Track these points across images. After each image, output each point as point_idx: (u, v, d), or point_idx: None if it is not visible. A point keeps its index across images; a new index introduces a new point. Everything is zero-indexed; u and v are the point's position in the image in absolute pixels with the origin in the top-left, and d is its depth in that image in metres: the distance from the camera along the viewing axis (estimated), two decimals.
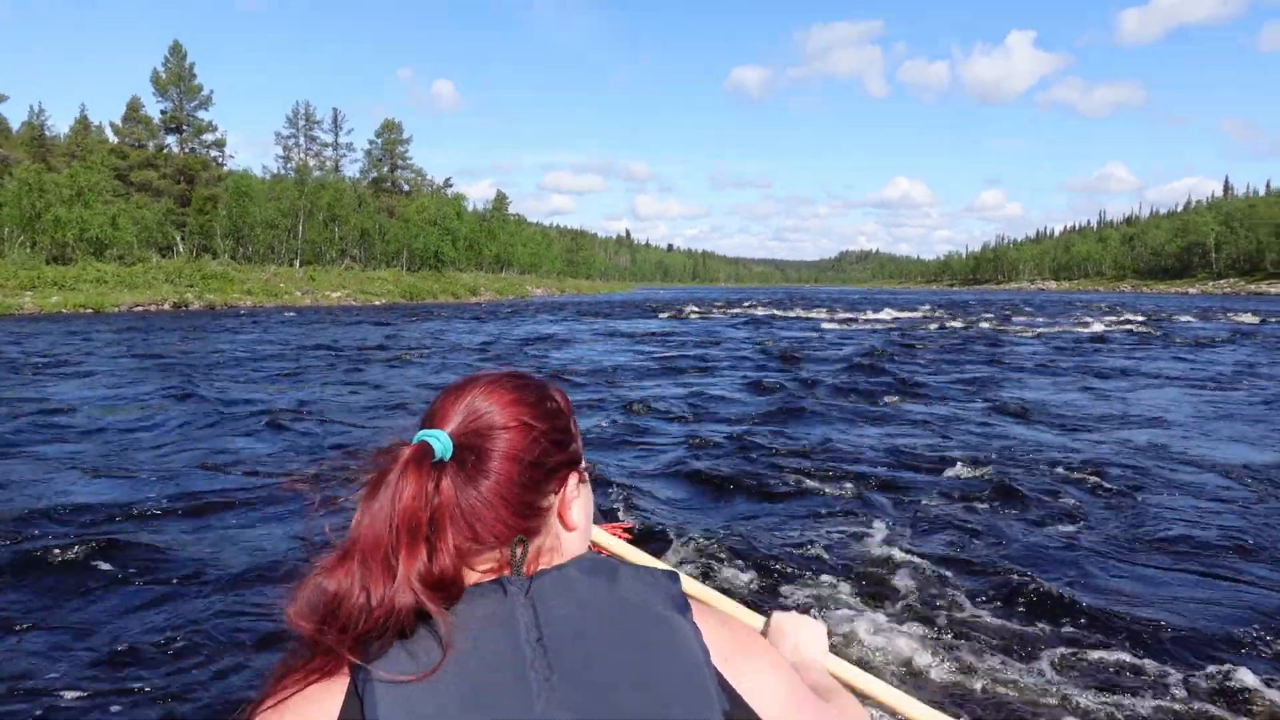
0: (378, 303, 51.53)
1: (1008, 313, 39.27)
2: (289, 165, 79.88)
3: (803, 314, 39.18)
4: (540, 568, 0.91)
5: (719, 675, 0.85)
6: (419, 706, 0.77)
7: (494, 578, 0.87)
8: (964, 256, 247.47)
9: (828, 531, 5.17)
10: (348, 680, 0.81)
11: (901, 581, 4.30)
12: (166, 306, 39.89)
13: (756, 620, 1.33)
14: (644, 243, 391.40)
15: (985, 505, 5.80)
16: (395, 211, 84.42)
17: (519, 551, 0.89)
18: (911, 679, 3.33)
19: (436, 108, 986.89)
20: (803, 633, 1.28)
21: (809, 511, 5.63)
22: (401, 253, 79.85)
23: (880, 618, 3.86)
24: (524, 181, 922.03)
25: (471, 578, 0.88)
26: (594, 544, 1.36)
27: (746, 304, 55.90)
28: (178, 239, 58.27)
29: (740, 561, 4.60)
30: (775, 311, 41.15)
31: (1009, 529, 5.20)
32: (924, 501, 5.87)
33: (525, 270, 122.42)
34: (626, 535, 1.49)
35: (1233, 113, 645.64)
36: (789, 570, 4.47)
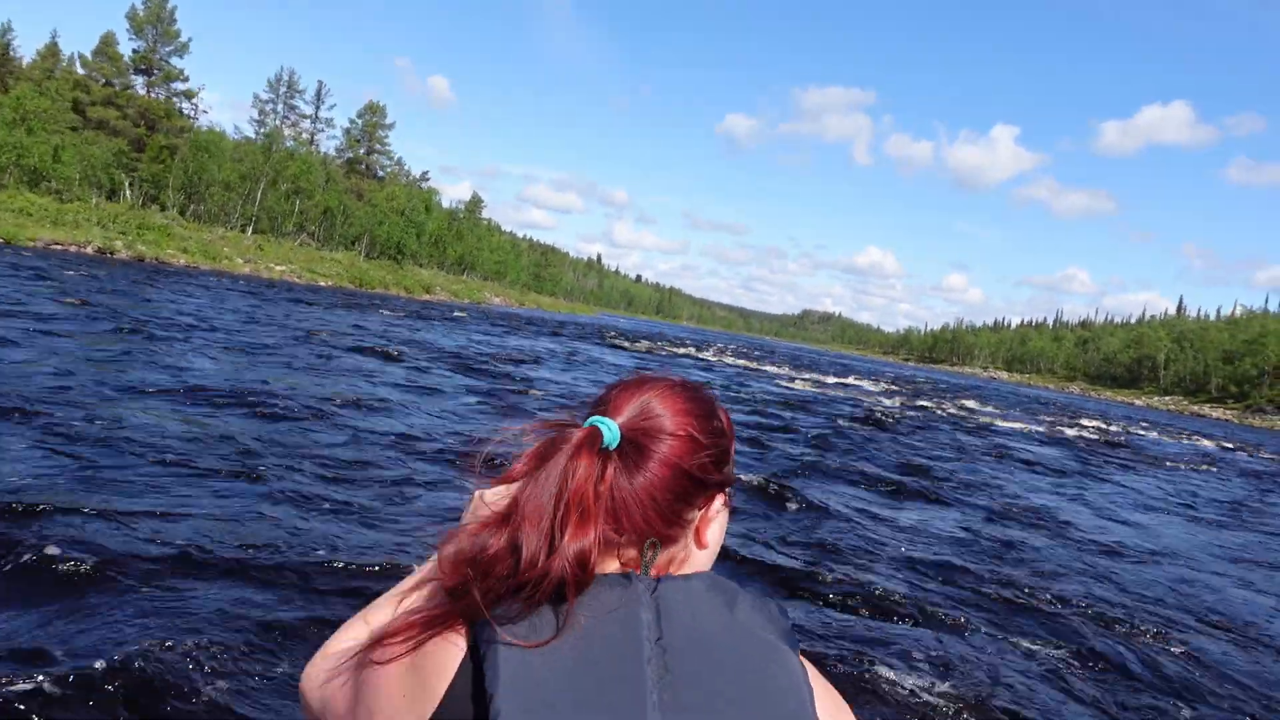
0: (323, 284, 49.02)
1: (971, 402, 38.15)
2: (263, 130, 77.04)
3: (772, 369, 37.62)
4: (666, 574, 0.92)
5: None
6: (537, 674, 0.78)
7: (622, 572, 0.88)
8: (923, 333, 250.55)
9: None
10: (464, 638, 0.84)
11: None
12: (89, 250, 37.05)
13: None
14: (614, 269, 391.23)
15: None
16: (364, 195, 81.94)
17: (650, 553, 0.91)
18: None
19: (429, 102, 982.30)
20: None
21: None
22: (363, 238, 77.31)
23: None
24: (504, 189, 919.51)
25: (599, 568, 0.88)
26: None
27: (715, 347, 54.41)
28: (125, 184, 55.15)
29: None
30: (745, 362, 39.53)
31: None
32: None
33: (489, 277, 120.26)
34: None
35: (1193, 237, 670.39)
36: None
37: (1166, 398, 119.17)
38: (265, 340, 14.61)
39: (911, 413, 22.84)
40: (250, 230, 62.98)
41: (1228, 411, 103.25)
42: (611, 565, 0.90)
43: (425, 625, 0.85)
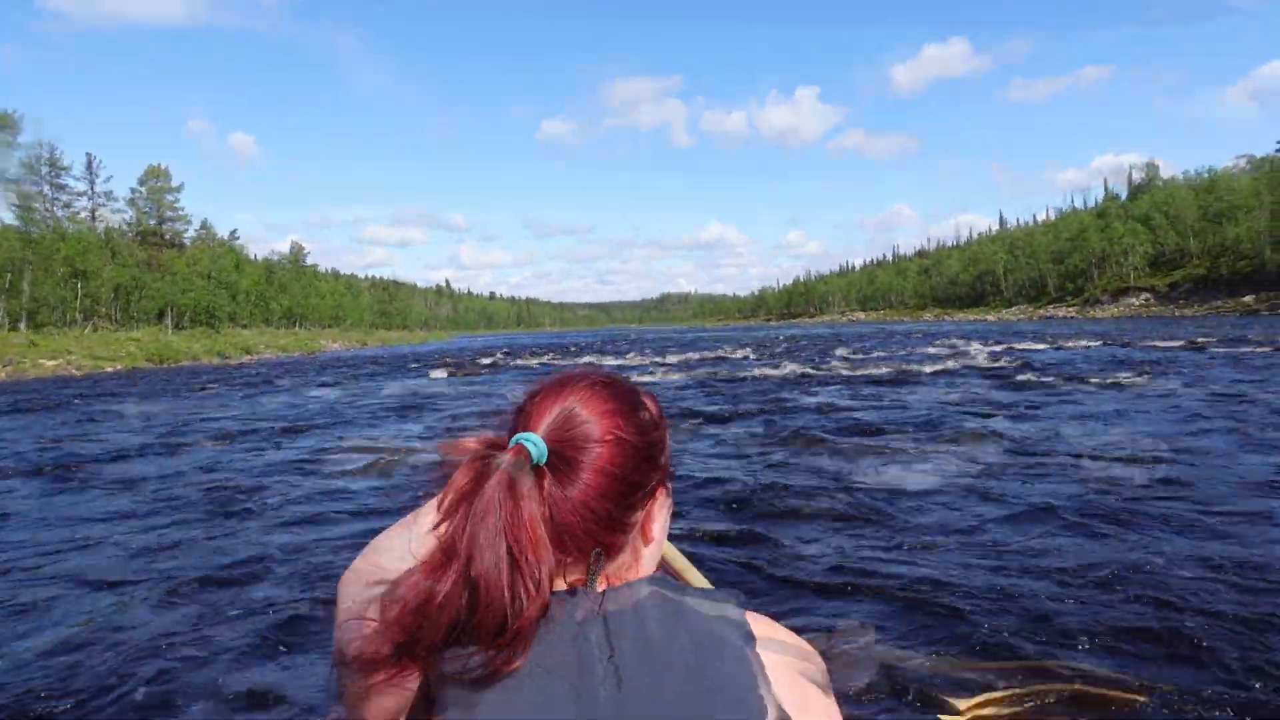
0: (110, 369, 42.28)
1: (846, 353, 35.68)
2: (24, 215, 67.69)
3: (637, 358, 34.14)
4: (615, 582, 0.90)
5: (780, 708, 0.84)
6: (490, 709, 0.77)
7: (567, 589, 0.85)
8: (777, 291, 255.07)
9: None
10: (418, 676, 0.82)
11: None
12: None
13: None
14: (466, 291, 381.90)
15: None
16: (162, 265, 73.74)
17: (595, 565, 0.88)
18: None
19: (236, 162, 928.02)
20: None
21: None
22: (168, 310, 69.39)
23: None
24: (338, 236, 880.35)
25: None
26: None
27: (570, 348, 50.52)
28: None
29: None
30: (612, 359, 35.84)
31: None
32: None
33: (328, 324, 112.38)
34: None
35: (994, 156, 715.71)
36: None
37: (1013, 308, 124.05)
38: None
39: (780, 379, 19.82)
40: (24, 325, 54.74)
41: (1069, 309, 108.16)
42: (558, 584, 0.87)
43: (378, 686, 0.82)
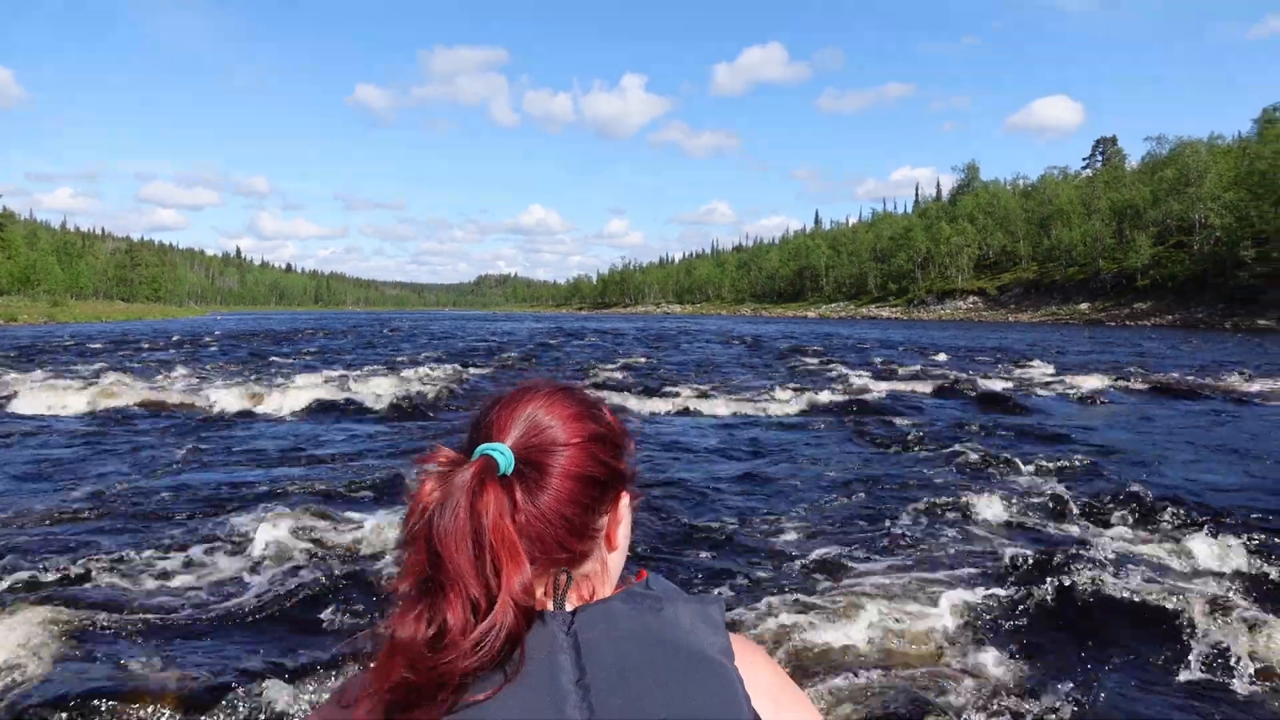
0: None
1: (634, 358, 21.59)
2: None
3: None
4: (584, 595, 0.89)
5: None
6: None
7: (537, 608, 0.82)
8: (593, 280, 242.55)
9: None
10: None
11: None
12: None
13: None
14: (260, 263, 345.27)
15: None
16: None
17: (562, 581, 0.86)
18: None
19: None
20: None
21: None
22: None
23: None
24: (117, 192, 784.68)
25: None
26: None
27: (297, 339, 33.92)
28: None
29: None
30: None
31: None
32: None
33: (7, 290, 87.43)
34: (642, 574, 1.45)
35: (803, 163, 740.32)
36: None
37: (834, 304, 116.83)
38: None
39: None
40: None
41: (893, 309, 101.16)
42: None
43: None
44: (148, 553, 4.80)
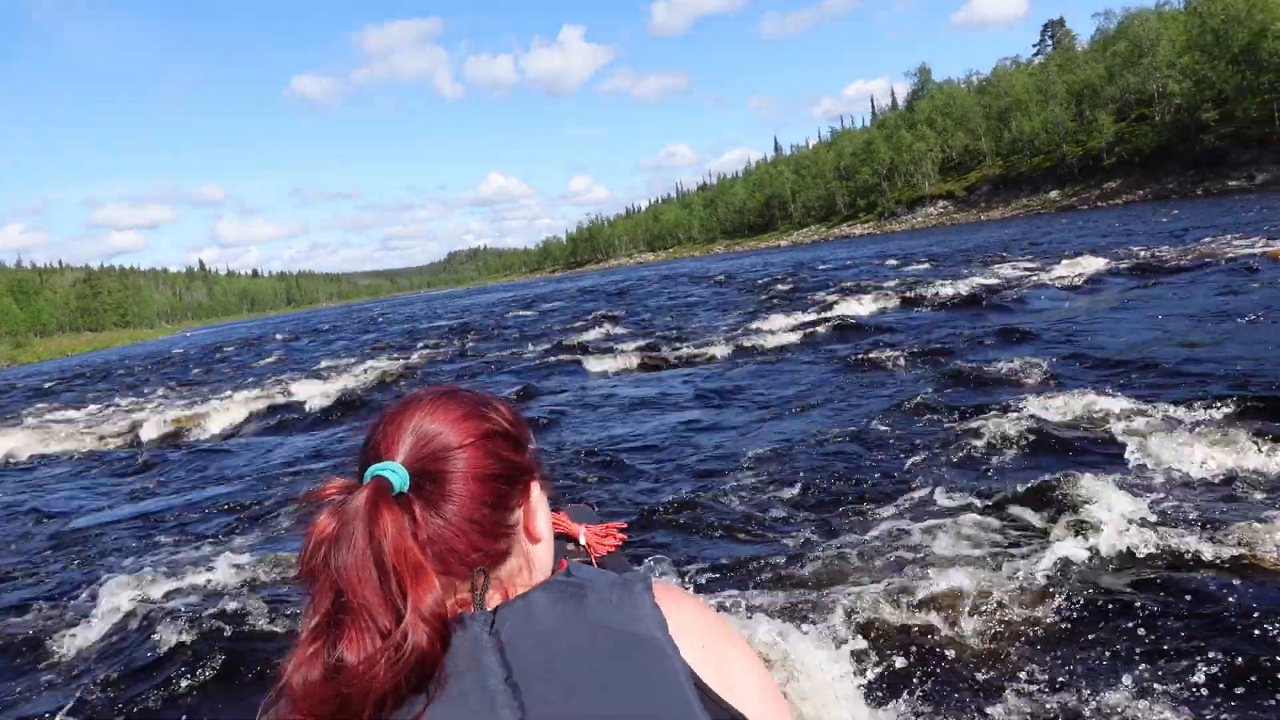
0: None
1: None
2: None
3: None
4: (508, 593, 0.86)
5: (699, 683, 0.80)
6: None
7: (454, 616, 0.80)
8: (562, 242, 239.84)
9: None
10: None
11: None
12: None
13: None
14: (225, 272, 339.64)
15: None
16: None
17: (480, 582, 0.84)
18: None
19: None
20: None
21: None
22: None
23: None
24: (66, 222, 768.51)
25: None
26: (587, 545, 1.41)
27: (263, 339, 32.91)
28: None
29: None
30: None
31: None
32: None
33: None
34: (621, 536, 1.46)
35: (754, 90, 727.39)
36: None
37: (805, 229, 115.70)
38: None
39: None
40: None
41: (864, 225, 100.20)
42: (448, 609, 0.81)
43: None
44: None
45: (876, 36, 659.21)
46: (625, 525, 1.53)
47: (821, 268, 30.48)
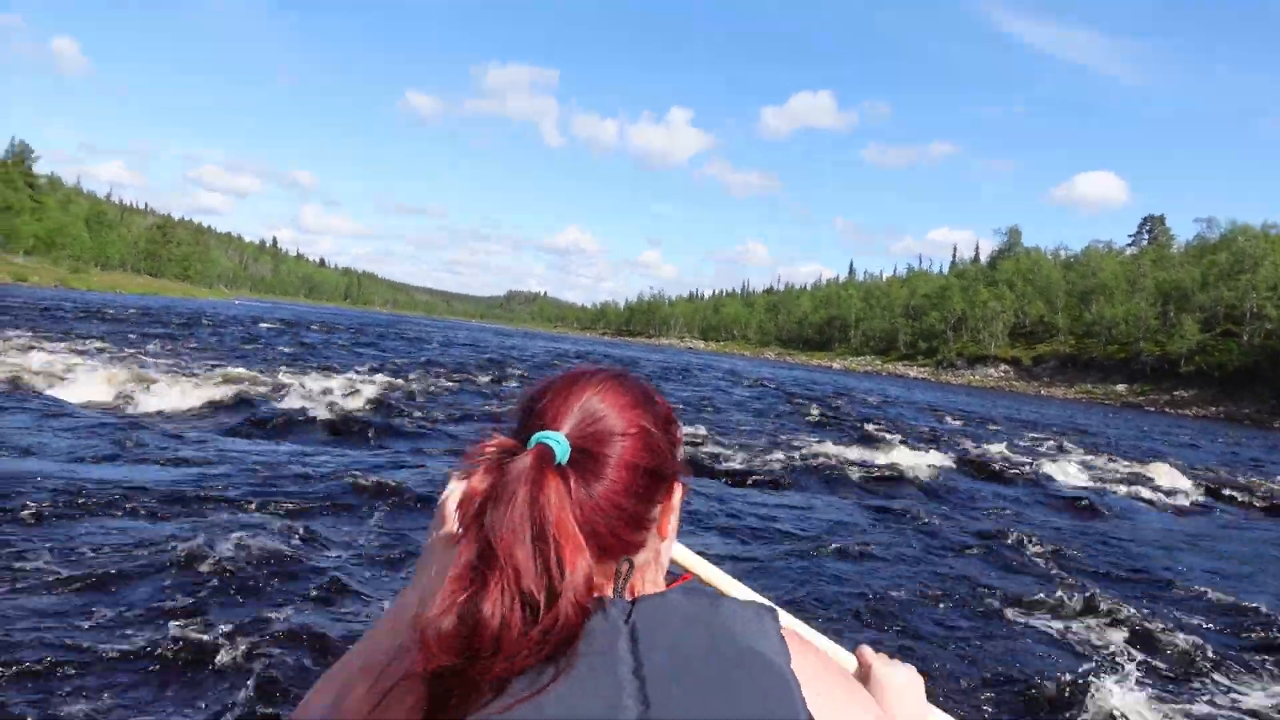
0: None
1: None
2: None
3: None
4: (636, 587, 0.88)
5: None
6: None
7: (595, 598, 0.80)
8: (620, 307, 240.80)
9: None
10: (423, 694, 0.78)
11: None
12: None
13: (848, 660, 1.20)
14: (295, 254, 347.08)
15: None
16: None
17: (624, 570, 0.85)
18: None
19: (56, 67, 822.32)
20: (899, 681, 1.16)
21: None
22: None
23: None
24: (166, 171, 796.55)
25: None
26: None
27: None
28: None
29: None
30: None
31: None
32: None
33: (32, 251, 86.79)
34: None
35: (841, 211, 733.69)
36: None
37: (860, 358, 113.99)
38: None
39: None
40: None
41: (921, 369, 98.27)
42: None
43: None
44: None
45: (972, 189, 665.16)
46: None
47: (872, 401, 28.82)
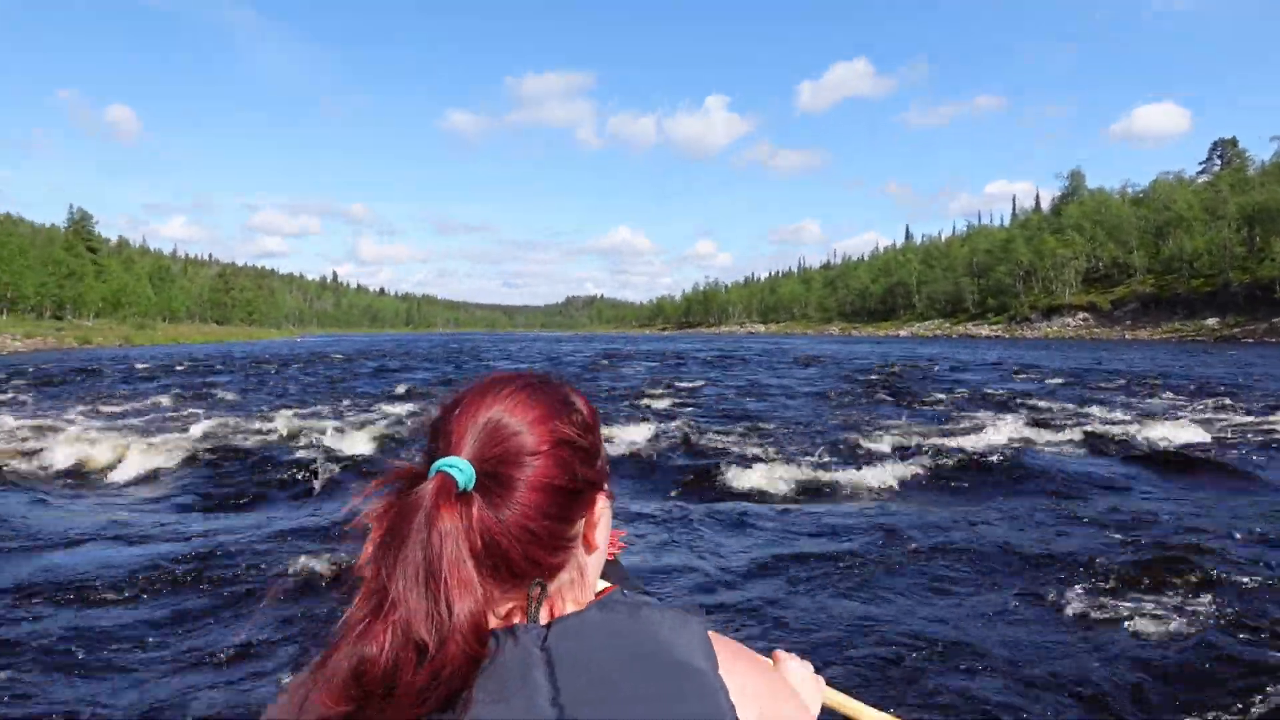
0: None
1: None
2: None
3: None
4: (559, 608, 0.84)
5: None
6: None
7: (507, 625, 0.78)
8: (676, 300, 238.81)
9: None
10: None
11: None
12: None
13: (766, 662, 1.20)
14: (355, 286, 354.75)
15: None
16: None
17: (535, 594, 0.81)
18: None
19: (113, 134, 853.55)
20: (805, 672, 1.17)
21: None
22: None
23: None
24: (227, 221, 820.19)
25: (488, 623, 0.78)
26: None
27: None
28: None
29: None
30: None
31: None
32: None
33: (102, 312, 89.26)
34: (621, 545, 1.45)
35: (892, 176, 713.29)
36: None
37: (927, 323, 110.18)
38: None
39: None
40: None
41: (993, 327, 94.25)
42: (492, 621, 0.79)
43: None
44: None
45: (1024, 139, 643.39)
46: (624, 533, 1.45)
47: (947, 368, 26.74)
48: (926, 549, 5.36)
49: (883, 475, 7.89)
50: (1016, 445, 9.63)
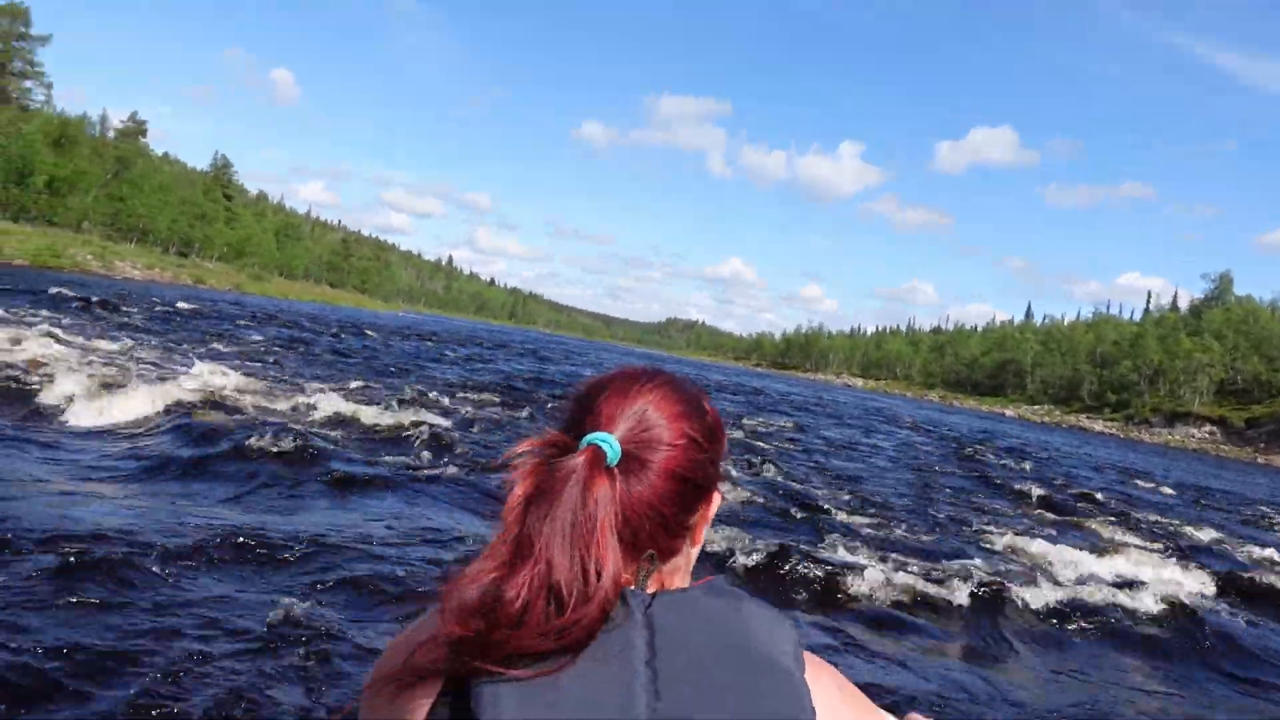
0: None
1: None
2: None
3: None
4: (663, 585, 0.90)
5: None
6: (527, 708, 0.76)
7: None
8: (775, 338, 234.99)
9: None
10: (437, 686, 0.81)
11: None
12: None
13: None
14: (467, 273, 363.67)
15: None
16: None
17: (646, 567, 0.87)
18: None
19: (273, 98, 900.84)
20: None
21: None
22: None
23: None
24: (360, 192, 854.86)
25: None
26: None
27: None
28: None
29: None
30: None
31: None
32: None
33: (223, 256, 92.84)
34: None
35: (1016, 251, 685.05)
36: None
37: (1036, 406, 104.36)
38: None
39: None
40: None
41: (1108, 423, 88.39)
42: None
43: (408, 674, 0.82)
44: None
45: (1166, 233, 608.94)
46: None
47: (1072, 461, 24.17)
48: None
49: (988, 596, 6.15)
50: (1168, 579, 7.70)
